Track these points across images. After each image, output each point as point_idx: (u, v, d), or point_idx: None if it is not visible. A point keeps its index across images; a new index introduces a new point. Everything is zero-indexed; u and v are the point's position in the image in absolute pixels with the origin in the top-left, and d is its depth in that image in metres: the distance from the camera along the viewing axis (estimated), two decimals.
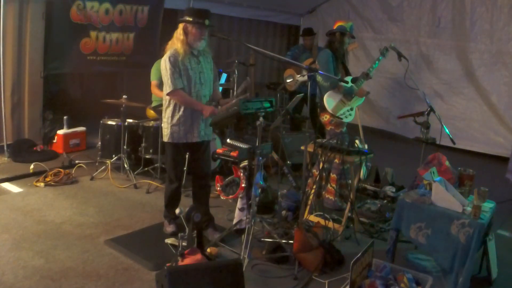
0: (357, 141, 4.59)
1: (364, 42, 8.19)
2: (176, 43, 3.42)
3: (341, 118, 4.45)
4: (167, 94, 3.48)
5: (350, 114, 4.55)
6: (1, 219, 3.82)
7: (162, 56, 3.53)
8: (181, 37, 3.39)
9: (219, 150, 4.24)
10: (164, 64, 3.43)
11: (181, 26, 3.41)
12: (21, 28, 5.37)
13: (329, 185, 4.50)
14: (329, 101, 4.48)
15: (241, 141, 4.34)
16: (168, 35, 3.59)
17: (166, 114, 3.56)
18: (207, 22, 3.37)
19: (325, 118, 4.56)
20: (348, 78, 4.50)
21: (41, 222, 3.85)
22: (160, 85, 5.07)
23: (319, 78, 4.49)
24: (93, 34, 5.95)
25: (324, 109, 4.49)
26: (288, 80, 6.22)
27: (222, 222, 4.03)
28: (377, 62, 4.65)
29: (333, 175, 4.50)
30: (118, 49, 6.38)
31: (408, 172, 4.84)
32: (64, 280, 2.98)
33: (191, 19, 3.36)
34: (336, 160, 4.28)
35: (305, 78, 5.92)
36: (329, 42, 4.60)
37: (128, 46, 6.51)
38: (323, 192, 4.57)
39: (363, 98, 4.64)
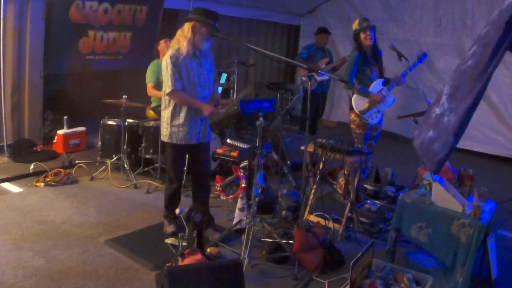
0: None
1: None
2: (182, 41, 3.39)
3: (367, 120, 4.51)
4: (167, 95, 3.47)
5: (376, 117, 4.59)
6: (1, 219, 3.82)
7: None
8: (189, 35, 3.37)
9: (219, 150, 4.25)
10: (165, 64, 3.42)
11: (189, 24, 3.38)
12: (21, 28, 5.37)
13: (340, 180, 4.55)
14: (357, 101, 4.53)
15: (241, 141, 4.34)
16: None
17: (166, 115, 3.55)
18: (216, 24, 3.39)
19: (350, 116, 4.64)
20: (380, 81, 4.55)
21: (41, 222, 3.84)
22: (156, 87, 5.07)
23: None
24: (91, 33, 5.95)
25: (352, 108, 4.56)
26: (304, 78, 6.28)
27: (222, 222, 4.03)
28: (412, 67, 4.57)
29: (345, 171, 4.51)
30: (115, 48, 6.38)
31: (408, 172, 4.84)
32: (64, 280, 2.97)
33: (202, 19, 3.36)
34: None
35: (324, 77, 5.98)
36: (354, 45, 4.58)
37: (125, 45, 6.51)
38: (335, 187, 4.59)
39: (392, 101, 4.65)
